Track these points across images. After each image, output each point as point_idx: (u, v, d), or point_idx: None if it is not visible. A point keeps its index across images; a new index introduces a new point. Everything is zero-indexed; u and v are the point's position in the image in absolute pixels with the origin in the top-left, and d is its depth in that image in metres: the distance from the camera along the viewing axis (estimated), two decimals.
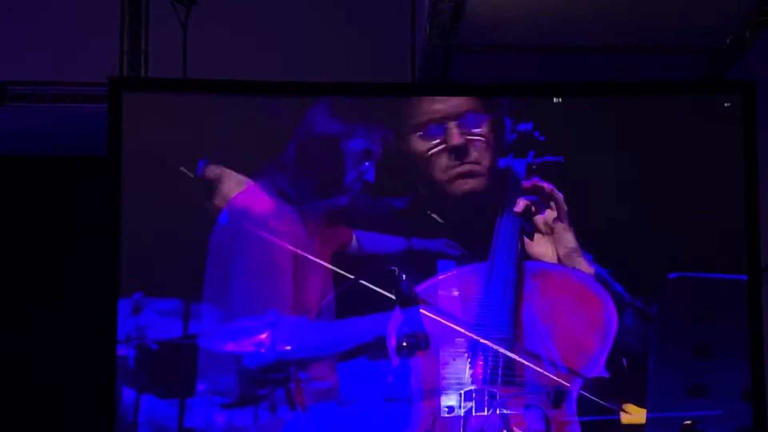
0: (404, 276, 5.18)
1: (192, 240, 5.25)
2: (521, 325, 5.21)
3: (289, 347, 5.20)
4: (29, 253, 6.63)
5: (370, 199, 5.33)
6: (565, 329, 5.21)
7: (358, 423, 5.20)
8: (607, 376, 5.15)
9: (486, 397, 5.15)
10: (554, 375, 5.16)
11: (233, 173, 5.28)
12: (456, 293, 5.25)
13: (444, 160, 5.34)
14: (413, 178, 5.36)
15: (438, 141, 5.35)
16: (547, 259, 5.29)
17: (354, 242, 5.30)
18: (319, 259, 5.26)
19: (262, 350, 5.18)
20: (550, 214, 5.30)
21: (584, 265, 5.27)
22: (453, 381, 5.19)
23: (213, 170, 5.27)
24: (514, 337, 5.20)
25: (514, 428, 5.13)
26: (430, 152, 5.34)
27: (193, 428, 5.17)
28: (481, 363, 5.18)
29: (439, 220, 5.33)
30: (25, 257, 6.62)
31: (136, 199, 5.26)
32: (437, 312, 5.21)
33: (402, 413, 5.19)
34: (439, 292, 5.25)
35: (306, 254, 5.25)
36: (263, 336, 5.18)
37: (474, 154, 5.34)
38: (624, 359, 5.19)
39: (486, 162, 5.35)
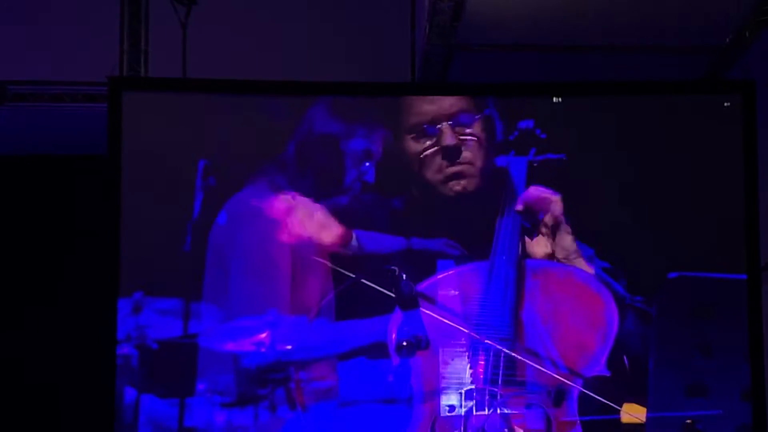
0: (404, 276, 5.18)
1: (192, 239, 5.24)
2: (522, 324, 5.22)
3: (289, 347, 5.20)
4: (29, 252, 6.63)
5: (370, 199, 5.33)
6: (566, 328, 5.21)
7: (358, 423, 5.20)
8: (608, 375, 5.15)
9: (487, 397, 5.15)
10: (555, 374, 5.16)
11: (306, 200, 5.29)
12: (456, 292, 5.25)
13: (437, 161, 5.34)
14: (409, 179, 5.36)
15: (431, 142, 5.35)
16: (547, 258, 5.29)
17: (354, 242, 5.29)
18: (319, 258, 5.26)
19: (262, 350, 5.18)
20: (549, 218, 5.30)
21: (584, 266, 5.27)
22: (454, 380, 5.19)
23: (285, 199, 5.28)
24: (515, 336, 5.20)
25: (515, 427, 5.13)
26: (423, 153, 5.34)
27: (193, 428, 5.16)
28: (482, 362, 5.18)
29: (437, 220, 5.33)
30: (25, 257, 6.63)
31: (136, 198, 5.26)
32: (438, 311, 5.21)
33: (402, 413, 5.19)
34: (440, 291, 5.25)
35: (305, 254, 5.25)
36: (263, 335, 5.18)
37: (467, 155, 5.34)
38: (625, 357, 5.19)
39: (479, 162, 5.35)
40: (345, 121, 5.35)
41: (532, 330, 5.21)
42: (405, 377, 5.19)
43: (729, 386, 5.22)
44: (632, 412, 5.15)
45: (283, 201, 5.28)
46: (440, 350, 5.21)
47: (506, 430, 5.12)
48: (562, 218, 5.29)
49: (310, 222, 5.26)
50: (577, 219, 5.30)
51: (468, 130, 5.36)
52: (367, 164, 5.33)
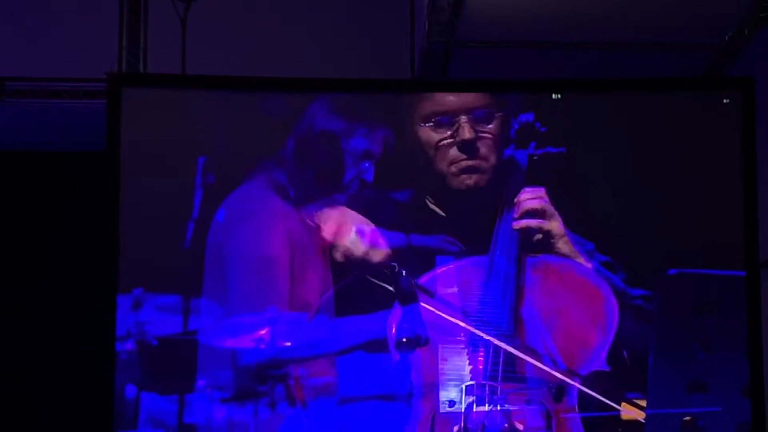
0: (404, 272, 5.18)
1: (191, 236, 5.23)
2: (522, 320, 5.22)
3: (288, 343, 5.19)
4: (28, 248, 6.63)
5: (370, 194, 5.32)
6: (567, 323, 5.21)
7: (357, 419, 5.20)
8: (608, 370, 5.16)
9: (487, 392, 5.15)
10: (555, 370, 5.16)
11: (354, 215, 5.29)
12: (456, 287, 5.25)
13: (452, 153, 5.33)
14: (418, 169, 5.35)
15: (449, 134, 5.34)
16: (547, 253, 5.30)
17: (353, 238, 5.29)
18: (318, 255, 5.26)
19: (262, 346, 5.17)
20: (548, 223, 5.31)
21: (581, 261, 5.28)
22: (453, 376, 5.19)
23: (329, 213, 5.28)
24: (515, 332, 5.20)
25: (516, 423, 5.13)
26: (439, 143, 5.34)
27: (193, 424, 5.16)
28: (481, 358, 5.18)
29: (440, 212, 5.33)
30: (23, 252, 6.62)
31: (136, 195, 5.26)
32: (437, 306, 5.20)
33: (402, 409, 5.19)
34: (440, 286, 5.25)
35: (304, 250, 5.25)
36: (263, 332, 5.17)
37: (482, 150, 5.34)
38: (625, 352, 5.19)
39: (492, 159, 5.35)
40: (346, 118, 5.34)
41: (533, 325, 5.21)
42: (405, 373, 5.19)
43: (729, 383, 5.22)
44: (632, 409, 5.15)
45: (335, 213, 5.28)
46: (440, 346, 5.21)
47: (507, 425, 5.12)
48: (559, 218, 5.29)
49: (359, 240, 5.27)
50: (576, 213, 5.30)
51: (487, 126, 5.36)
52: (367, 164, 5.33)
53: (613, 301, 5.22)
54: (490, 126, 5.35)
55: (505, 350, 5.17)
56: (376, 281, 5.19)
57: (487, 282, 5.25)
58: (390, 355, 5.17)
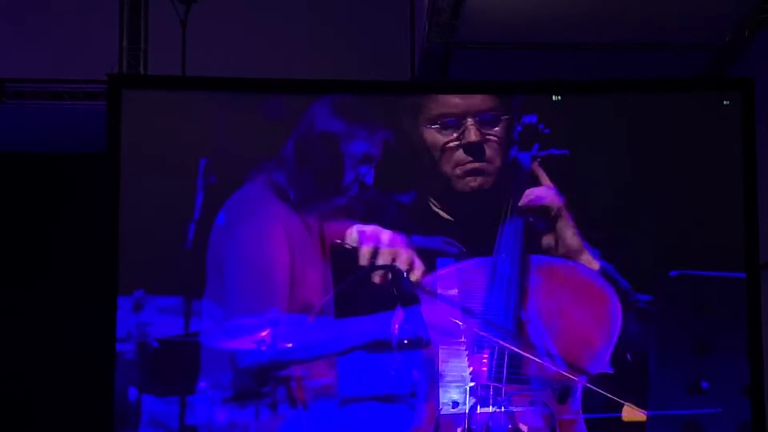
0: (406, 273, 5.18)
1: (193, 238, 5.23)
2: (526, 322, 5.21)
3: (290, 345, 5.19)
4: (28, 249, 6.62)
5: (372, 196, 5.32)
6: (571, 324, 5.21)
7: (358, 420, 5.19)
8: (612, 372, 5.16)
9: (491, 394, 5.15)
10: (559, 371, 5.16)
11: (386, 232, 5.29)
12: (459, 288, 5.25)
13: (458, 156, 5.33)
14: (421, 171, 5.35)
15: (455, 136, 5.34)
16: (551, 254, 5.30)
17: (354, 239, 5.29)
18: (319, 256, 5.26)
19: (263, 348, 5.16)
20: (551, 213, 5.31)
21: (590, 262, 5.27)
22: (455, 377, 5.19)
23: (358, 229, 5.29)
24: (519, 334, 5.20)
25: (519, 424, 5.14)
26: (445, 145, 5.34)
27: (194, 425, 5.16)
28: (485, 359, 5.18)
29: (444, 215, 5.34)
30: (24, 254, 6.62)
31: (137, 196, 5.25)
32: (439, 307, 5.21)
33: (404, 410, 5.19)
34: (442, 287, 5.25)
35: (305, 251, 5.24)
36: (264, 334, 5.16)
37: (488, 153, 5.34)
38: (628, 355, 5.20)
39: (498, 162, 5.35)
40: (346, 120, 5.34)
41: (536, 327, 5.21)
42: (407, 374, 5.19)
43: (730, 383, 5.23)
44: (634, 410, 5.16)
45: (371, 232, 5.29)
46: (442, 347, 5.21)
47: (510, 426, 5.13)
48: (564, 212, 5.30)
49: (360, 240, 5.28)
50: (577, 214, 5.30)
51: (493, 128, 5.36)
52: (367, 167, 5.32)
53: (617, 303, 5.23)
54: (497, 129, 5.35)
55: (509, 351, 5.17)
56: (377, 282, 5.19)
57: (491, 283, 5.25)
58: (391, 356, 5.17)
